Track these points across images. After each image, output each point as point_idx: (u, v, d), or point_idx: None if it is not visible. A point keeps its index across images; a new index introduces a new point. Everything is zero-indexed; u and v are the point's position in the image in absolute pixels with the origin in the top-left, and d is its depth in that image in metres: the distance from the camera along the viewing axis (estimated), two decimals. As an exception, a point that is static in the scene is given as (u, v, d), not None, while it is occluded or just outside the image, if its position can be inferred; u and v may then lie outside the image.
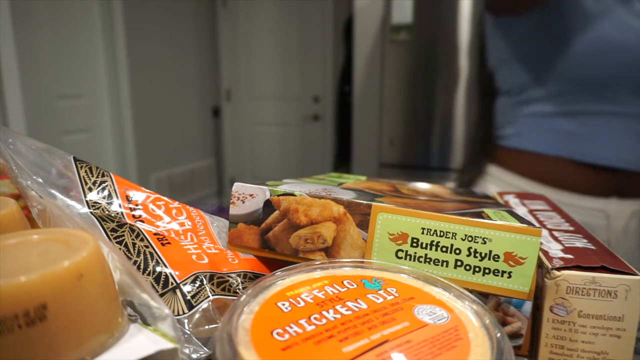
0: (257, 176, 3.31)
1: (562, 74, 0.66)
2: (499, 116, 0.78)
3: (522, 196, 0.45)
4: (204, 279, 0.29)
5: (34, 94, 2.05)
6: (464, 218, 0.27)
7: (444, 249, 0.28)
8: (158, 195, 0.36)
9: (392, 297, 0.25)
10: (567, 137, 0.67)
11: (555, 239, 0.32)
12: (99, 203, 0.33)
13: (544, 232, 0.34)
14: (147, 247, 0.30)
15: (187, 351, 0.25)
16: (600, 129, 0.65)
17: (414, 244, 0.28)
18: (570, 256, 0.29)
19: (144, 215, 0.34)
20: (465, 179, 0.81)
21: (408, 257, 0.28)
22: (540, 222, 0.36)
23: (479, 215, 0.29)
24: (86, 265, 0.21)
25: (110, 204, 0.33)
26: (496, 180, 0.77)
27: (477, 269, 0.27)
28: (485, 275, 0.27)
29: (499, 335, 0.21)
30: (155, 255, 0.30)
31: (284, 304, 0.23)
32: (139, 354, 0.21)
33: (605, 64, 0.63)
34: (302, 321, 0.22)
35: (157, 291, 0.28)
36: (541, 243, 0.28)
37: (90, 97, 2.39)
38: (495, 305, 0.27)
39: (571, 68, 0.65)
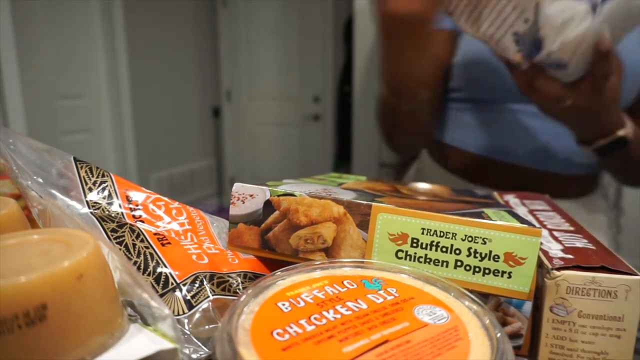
0: (257, 176, 3.31)
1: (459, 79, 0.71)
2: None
3: (522, 196, 0.45)
4: (204, 279, 0.29)
5: (34, 94, 2.05)
6: (464, 218, 0.27)
7: (444, 249, 0.28)
8: (158, 196, 0.36)
9: (392, 297, 0.25)
10: (476, 133, 0.71)
11: (556, 239, 0.32)
12: (99, 203, 0.33)
13: (544, 232, 0.34)
14: (147, 247, 0.30)
15: (187, 351, 0.25)
16: (505, 127, 0.68)
17: (414, 244, 0.28)
18: (570, 256, 0.29)
19: (144, 215, 0.34)
20: (399, 170, 0.83)
21: (408, 257, 0.28)
22: (540, 222, 0.36)
23: (479, 215, 0.29)
24: (86, 265, 0.21)
25: (110, 204, 0.33)
26: (426, 171, 0.80)
27: (477, 269, 0.27)
28: (485, 275, 0.27)
29: (499, 335, 0.21)
30: (155, 255, 0.30)
31: (284, 304, 0.23)
32: (139, 354, 0.21)
33: (477, 75, 0.67)
34: (302, 321, 0.22)
35: (157, 291, 0.28)
36: (541, 243, 0.28)
37: (90, 97, 2.39)
38: (495, 305, 0.27)
39: (463, 76, 0.70)
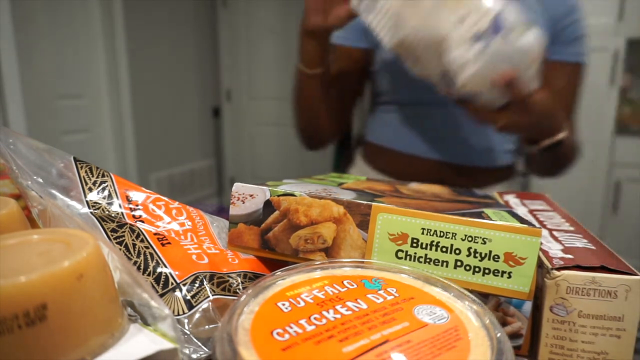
0: (257, 176, 3.31)
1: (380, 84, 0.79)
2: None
3: (523, 196, 0.45)
4: (204, 279, 0.29)
5: (34, 94, 2.05)
6: (464, 218, 0.27)
7: (444, 249, 0.28)
8: (158, 196, 0.36)
9: (392, 297, 0.25)
10: (401, 132, 0.77)
11: (555, 239, 0.32)
12: (99, 203, 0.33)
13: (544, 232, 0.34)
14: (147, 247, 0.30)
15: (187, 351, 0.25)
16: (428, 126, 0.75)
17: (414, 244, 0.28)
18: (570, 256, 0.29)
19: (144, 215, 0.34)
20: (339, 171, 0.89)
21: (408, 257, 0.28)
22: (540, 222, 0.36)
23: (479, 215, 0.29)
24: (86, 265, 0.21)
25: (110, 204, 0.33)
26: (357, 172, 0.85)
27: (477, 269, 0.27)
28: (485, 275, 0.27)
29: (499, 335, 0.21)
30: (155, 255, 0.30)
31: (284, 304, 0.23)
32: (139, 354, 0.21)
33: (398, 80, 0.75)
34: (302, 321, 0.22)
35: (157, 291, 0.28)
36: (541, 243, 0.28)
37: (90, 97, 2.39)
38: (495, 305, 0.27)
39: (385, 81, 0.78)
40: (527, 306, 0.27)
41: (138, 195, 0.35)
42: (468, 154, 0.74)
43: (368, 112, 0.86)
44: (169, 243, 0.31)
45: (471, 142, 0.74)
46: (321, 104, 0.75)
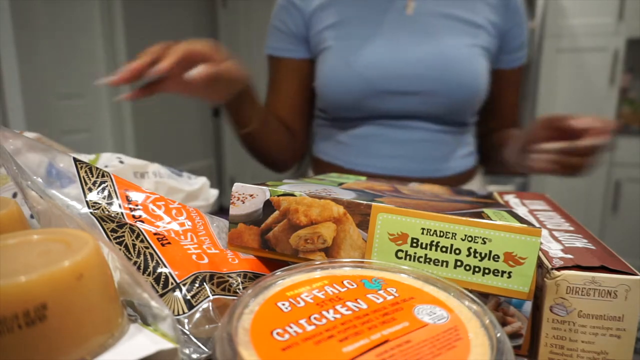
0: (257, 176, 3.31)
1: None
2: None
3: (523, 196, 0.45)
4: (204, 279, 0.29)
5: (34, 94, 2.05)
6: (464, 218, 0.27)
7: (444, 249, 0.28)
8: (158, 195, 0.36)
9: (392, 297, 0.25)
10: (339, 148, 0.77)
11: (555, 239, 0.32)
12: (99, 203, 0.33)
13: (544, 232, 0.34)
14: (147, 247, 0.30)
15: (187, 351, 0.25)
16: (363, 142, 0.75)
17: (414, 244, 0.28)
18: (570, 256, 0.29)
19: (144, 215, 0.34)
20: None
21: (408, 257, 0.28)
22: (540, 222, 0.36)
23: (479, 215, 0.29)
24: (86, 265, 0.21)
25: (110, 204, 0.33)
26: None
27: (477, 269, 0.27)
28: (485, 275, 0.27)
29: (499, 335, 0.21)
30: (155, 255, 0.30)
31: (284, 304, 0.23)
32: (139, 354, 0.21)
33: (338, 98, 0.74)
34: (302, 321, 0.22)
35: (157, 291, 0.28)
36: (541, 243, 0.28)
37: (90, 97, 2.39)
38: (495, 305, 0.27)
39: (325, 99, 0.77)
40: (527, 306, 0.27)
41: (138, 196, 0.35)
42: (418, 168, 0.74)
43: (314, 127, 0.87)
44: (168, 243, 0.31)
45: (421, 155, 0.74)
46: (266, 146, 0.76)
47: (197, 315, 0.27)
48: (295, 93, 0.79)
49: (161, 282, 0.29)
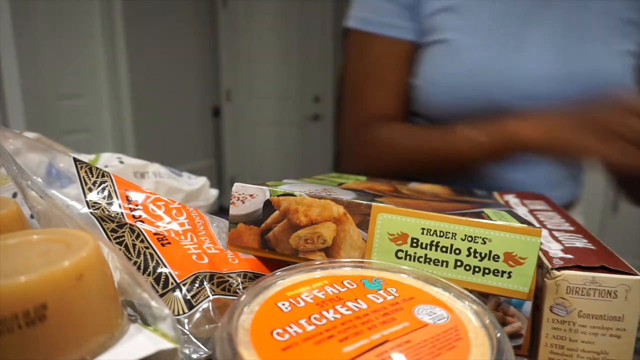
0: (257, 176, 3.31)
1: None
2: None
3: (522, 196, 0.45)
4: (204, 279, 0.29)
5: (34, 94, 2.05)
6: (464, 218, 0.27)
7: (444, 249, 0.28)
8: (158, 196, 0.36)
9: (392, 297, 0.25)
10: None
11: (555, 239, 0.32)
12: (99, 203, 0.33)
13: (544, 232, 0.34)
14: (147, 247, 0.30)
15: (187, 351, 0.25)
16: None
17: (414, 244, 0.28)
18: (570, 256, 0.29)
19: (144, 215, 0.34)
20: None
21: (408, 257, 0.28)
22: (540, 222, 0.36)
23: (479, 215, 0.29)
24: (86, 265, 0.21)
25: (110, 204, 0.33)
26: None
27: (477, 269, 0.27)
28: (485, 275, 0.27)
29: (499, 335, 0.21)
30: (155, 255, 0.30)
31: (284, 304, 0.23)
32: (139, 354, 0.21)
33: (447, 102, 0.59)
34: (302, 321, 0.22)
35: (157, 291, 0.28)
36: (541, 243, 0.28)
37: (90, 97, 2.39)
38: (495, 305, 0.27)
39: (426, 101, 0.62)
40: (527, 306, 0.27)
41: (138, 196, 0.35)
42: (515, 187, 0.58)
43: None
44: (168, 243, 0.31)
45: (543, 182, 0.60)
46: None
47: (197, 315, 0.27)
48: (403, 88, 0.59)
49: (161, 282, 0.29)
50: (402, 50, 0.58)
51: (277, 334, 0.21)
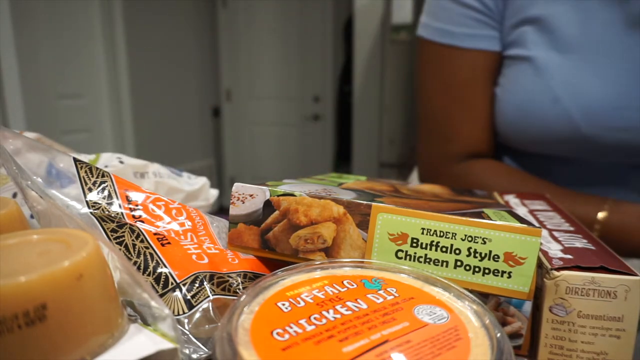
0: (257, 176, 3.31)
1: None
2: None
3: (523, 196, 0.45)
4: (204, 279, 0.29)
5: (34, 94, 2.05)
6: (464, 218, 0.27)
7: (444, 249, 0.28)
8: (158, 195, 0.36)
9: (392, 297, 0.25)
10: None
11: (555, 239, 0.32)
12: (99, 203, 0.33)
13: (544, 232, 0.34)
14: (147, 247, 0.30)
15: (187, 351, 0.25)
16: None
17: (414, 244, 0.28)
18: (569, 256, 0.29)
19: (144, 215, 0.34)
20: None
21: (408, 257, 0.28)
22: (540, 222, 0.36)
23: (479, 215, 0.29)
24: (86, 265, 0.21)
25: (110, 204, 0.33)
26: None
27: (477, 269, 0.27)
28: (485, 275, 0.27)
29: (499, 335, 0.21)
30: (155, 255, 0.30)
31: (284, 304, 0.23)
32: (139, 354, 0.21)
33: (531, 129, 0.52)
34: (302, 321, 0.22)
35: (157, 291, 0.28)
36: (541, 243, 0.28)
37: (90, 97, 2.39)
38: (495, 305, 0.27)
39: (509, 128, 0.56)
40: (527, 306, 0.27)
41: (138, 196, 0.35)
42: None
43: None
44: (168, 243, 0.31)
45: None
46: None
47: (197, 315, 0.27)
48: (492, 113, 0.51)
49: (161, 282, 0.29)
50: (489, 64, 0.52)
51: (277, 334, 0.21)
